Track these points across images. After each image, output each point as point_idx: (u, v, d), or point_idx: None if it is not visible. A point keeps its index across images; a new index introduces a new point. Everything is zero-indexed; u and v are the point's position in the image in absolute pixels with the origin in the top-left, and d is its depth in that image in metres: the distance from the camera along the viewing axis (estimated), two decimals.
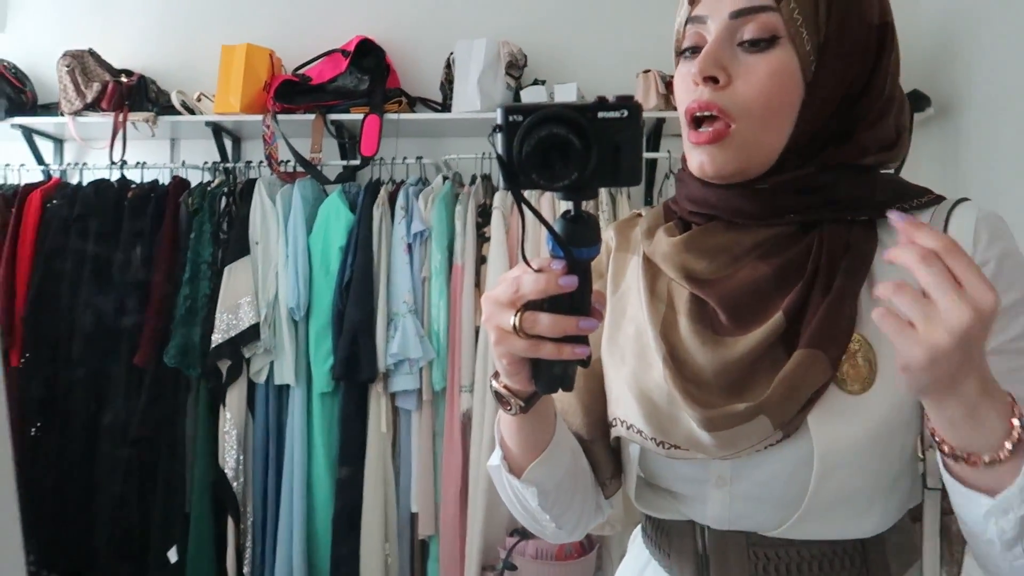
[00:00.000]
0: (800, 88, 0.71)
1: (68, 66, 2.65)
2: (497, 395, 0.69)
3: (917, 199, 0.74)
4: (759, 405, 0.68)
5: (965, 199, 0.73)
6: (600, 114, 0.56)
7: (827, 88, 0.71)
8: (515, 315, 0.59)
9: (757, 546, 0.74)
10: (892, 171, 0.78)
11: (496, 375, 0.68)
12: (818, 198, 0.73)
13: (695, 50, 0.74)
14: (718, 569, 0.75)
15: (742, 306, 0.73)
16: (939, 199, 0.75)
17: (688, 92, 0.74)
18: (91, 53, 2.72)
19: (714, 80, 0.71)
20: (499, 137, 0.55)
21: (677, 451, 0.73)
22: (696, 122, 0.73)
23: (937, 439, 0.61)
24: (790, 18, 0.69)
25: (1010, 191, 2.06)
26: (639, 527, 0.90)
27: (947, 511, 0.72)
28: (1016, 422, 0.57)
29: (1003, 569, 0.63)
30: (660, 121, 2.54)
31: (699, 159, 0.73)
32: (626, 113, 0.56)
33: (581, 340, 0.60)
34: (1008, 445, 0.57)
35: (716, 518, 0.75)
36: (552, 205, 2.36)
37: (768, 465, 0.71)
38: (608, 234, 0.90)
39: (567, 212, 0.59)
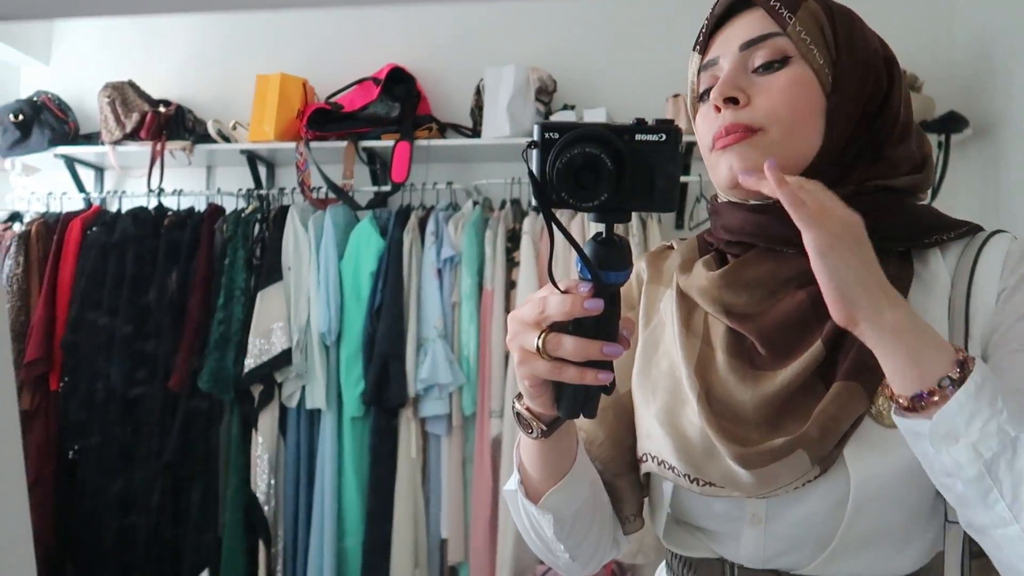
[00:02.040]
0: (821, 98, 0.72)
1: (109, 97, 2.73)
2: (519, 417, 0.68)
3: (954, 230, 0.73)
4: (797, 439, 0.66)
5: (1001, 230, 0.73)
6: (638, 136, 0.55)
7: (848, 97, 0.72)
8: (539, 336, 0.58)
9: None
10: (925, 201, 0.78)
11: (519, 396, 0.68)
12: None
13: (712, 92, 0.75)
14: None
15: (781, 338, 0.72)
16: (976, 229, 0.74)
17: (710, 125, 0.74)
18: (131, 84, 2.80)
19: (734, 101, 0.71)
20: (534, 154, 0.55)
21: (712, 488, 0.71)
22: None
23: (889, 393, 0.61)
24: (799, 39, 0.72)
25: None
26: (664, 563, 0.87)
27: (976, 553, 0.69)
28: (957, 365, 0.58)
29: (1004, 543, 0.59)
30: (690, 144, 2.53)
31: (727, 162, 0.72)
32: (664, 137, 0.55)
33: (605, 366, 0.58)
34: (946, 375, 0.58)
35: (749, 556, 0.74)
36: (582, 227, 2.36)
37: (805, 503, 0.70)
38: (640, 265, 0.89)
39: (598, 234, 0.58)
